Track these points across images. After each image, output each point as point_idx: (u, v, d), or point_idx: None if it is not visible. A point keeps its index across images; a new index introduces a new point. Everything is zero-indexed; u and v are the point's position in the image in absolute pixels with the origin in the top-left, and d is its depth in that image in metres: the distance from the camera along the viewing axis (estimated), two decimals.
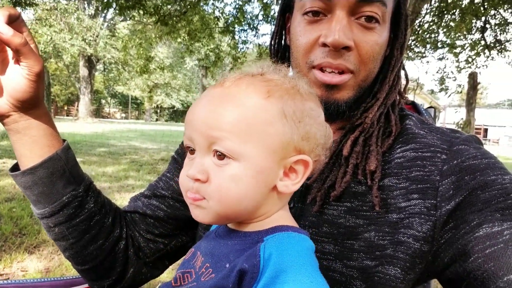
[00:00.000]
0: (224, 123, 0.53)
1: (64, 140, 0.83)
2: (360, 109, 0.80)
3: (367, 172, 0.74)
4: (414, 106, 0.95)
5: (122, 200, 5.31)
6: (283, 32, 0.90)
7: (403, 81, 0.88)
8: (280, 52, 0.89)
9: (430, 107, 1.00)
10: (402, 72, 0.87)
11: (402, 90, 0.89)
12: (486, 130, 42.73)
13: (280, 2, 0.89)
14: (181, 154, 0.99)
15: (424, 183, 0.70)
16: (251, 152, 0.54)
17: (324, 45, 0.73)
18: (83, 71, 26.88)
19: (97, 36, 25.57)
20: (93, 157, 9.08)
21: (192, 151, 0.58)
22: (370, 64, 0.76)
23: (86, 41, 24.82)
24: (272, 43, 0.90)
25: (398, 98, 0.86)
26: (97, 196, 0.87)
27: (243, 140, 0.53)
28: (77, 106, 32.09)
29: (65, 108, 45.48)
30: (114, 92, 49.07)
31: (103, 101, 52.11)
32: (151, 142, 14.38)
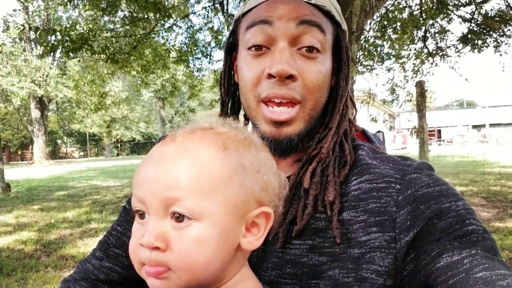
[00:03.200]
0: (182, 181, 0.49)
1: None
2: (314, 140, 0.80)
3: (326, 203, 0.72)
4: (364, 133, 0.97)
5: (85, 247, 5.05)
6: (232, 72, 0.89)
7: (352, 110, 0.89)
8: (230, 91, 0.89)
9: (379, 131, 1.02)
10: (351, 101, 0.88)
11: (352, 118, 0.90)
12: (439, 132, 44.85)
13: (225, 42, 0.89)
14: None
15: (382, 215, 0.70)
16: (214, 210, 0.50)
17: (270, 76, 0.74)
18: (35, 113, 25.88)
19: (47, 76, 24.82)
20: (52, 203, 8.62)
21: (142, 215, 0.53)
22: (316, 93, 0.77)
23: (36, 82, 24.01)
24: (222, 82, 0.90)
25: (349, 126, 0.86)
26: None
27: (205, 198, 0.49)
28: (32, 150, 30.64)
29: (19, 152, 43.47)
30: (70, 131, 47.55)
31: (59, 141, 50.17)
32: (113, 179, 13.94)
